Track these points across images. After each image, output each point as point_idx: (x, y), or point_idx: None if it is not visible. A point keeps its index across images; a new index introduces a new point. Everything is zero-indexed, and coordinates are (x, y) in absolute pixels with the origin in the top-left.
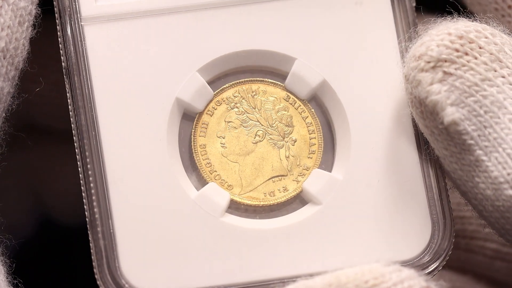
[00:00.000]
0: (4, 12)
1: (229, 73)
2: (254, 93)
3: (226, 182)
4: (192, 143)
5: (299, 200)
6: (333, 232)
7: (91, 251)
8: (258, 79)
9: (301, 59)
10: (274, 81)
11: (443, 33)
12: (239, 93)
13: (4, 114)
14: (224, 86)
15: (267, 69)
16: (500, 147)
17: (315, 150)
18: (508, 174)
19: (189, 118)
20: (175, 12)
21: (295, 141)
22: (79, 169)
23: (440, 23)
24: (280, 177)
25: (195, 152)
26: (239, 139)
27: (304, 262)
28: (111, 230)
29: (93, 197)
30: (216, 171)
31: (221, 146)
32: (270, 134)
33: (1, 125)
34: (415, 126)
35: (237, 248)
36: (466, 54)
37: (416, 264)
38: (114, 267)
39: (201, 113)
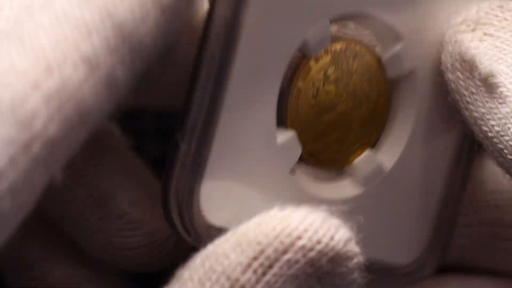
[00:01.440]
0: None
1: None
2: (354, 55)
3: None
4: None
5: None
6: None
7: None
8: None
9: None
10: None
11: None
12: (344, 51)
13: None
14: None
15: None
16: None
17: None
18: None
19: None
20: None
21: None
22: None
23: None
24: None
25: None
26: (327, 95)
27: None
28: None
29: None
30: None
31: (312, 96)
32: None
33: None
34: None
35: None
36: (506, 19)
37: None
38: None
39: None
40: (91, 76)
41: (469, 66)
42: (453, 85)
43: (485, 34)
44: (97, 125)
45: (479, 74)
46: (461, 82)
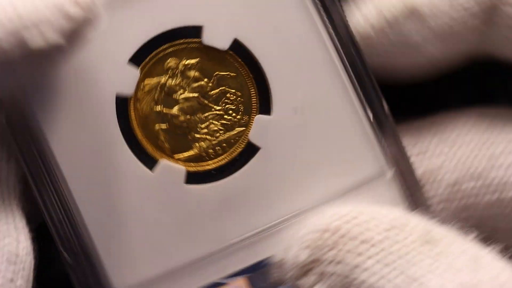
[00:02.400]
0: None
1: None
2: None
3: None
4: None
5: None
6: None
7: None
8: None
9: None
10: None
11: (307, 232)
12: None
13: None
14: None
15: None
16: None
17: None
18: None
19: None
20: None
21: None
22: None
23: (304, 221)
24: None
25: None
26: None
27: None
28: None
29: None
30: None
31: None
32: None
33: None
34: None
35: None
36: (331, 248)
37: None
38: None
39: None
40: None
41: None
42: None
43: (320, 274)
44: None
45: None
46: None
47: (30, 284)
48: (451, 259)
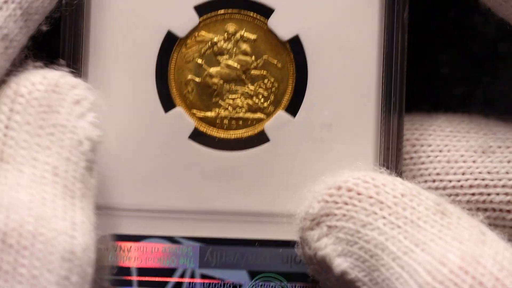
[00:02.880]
0: None
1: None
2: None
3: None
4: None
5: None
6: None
7: None
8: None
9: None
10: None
11: (322, 188)
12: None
13: None
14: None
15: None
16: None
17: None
18: None
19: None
20: None
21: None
22: None
23: (321, 179)
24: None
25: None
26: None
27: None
28: None
29: None
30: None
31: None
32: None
33: None
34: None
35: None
36: (346, 203)
37: None
38: None
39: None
40: None
41: (323, 267)
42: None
43: (329, 227)
44: None
45: (334, 273)
46: (320, 276)
47: (89, 279)
48: (459, 230)
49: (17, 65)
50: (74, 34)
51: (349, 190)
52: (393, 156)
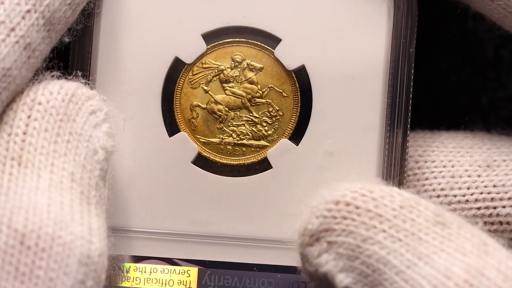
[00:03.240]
0: None
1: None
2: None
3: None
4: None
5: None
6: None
7: None
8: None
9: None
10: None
11: (320, 203)
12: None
13: None
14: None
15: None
16: None
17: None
18: None
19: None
20: None
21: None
22: None
23: (318, 194)
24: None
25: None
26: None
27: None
28: None
29: None
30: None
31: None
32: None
33: None
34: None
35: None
36: (344, 218)
37: None
38: None
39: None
40: (7, 37)
41: (326, 283)
42: None
43: (329, 243)
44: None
45: None
46: None
47: (102, 286)
48: (461, 241)
49: (41, 77)
50: (81, 57)
51: (348, 204)
52: (395, 185)
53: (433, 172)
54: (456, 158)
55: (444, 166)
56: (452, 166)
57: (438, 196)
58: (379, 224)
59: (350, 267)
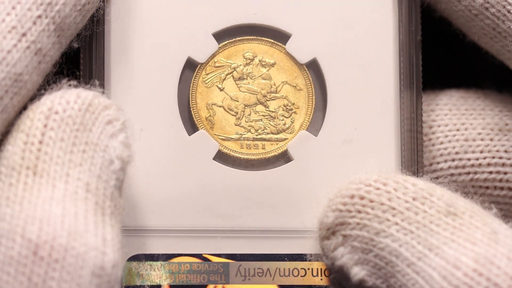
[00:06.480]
0: None
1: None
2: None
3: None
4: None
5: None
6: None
7: None
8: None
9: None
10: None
11: (336, 196)
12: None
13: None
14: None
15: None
16: None
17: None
18: None
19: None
20: None
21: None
22: None
23: (335, 186)
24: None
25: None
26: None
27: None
28: None
29: None
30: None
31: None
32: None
33: None
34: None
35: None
36: (359, 212)
37: None
38: None
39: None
40: (19, 42)
41: (343, 275)
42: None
43: (344, 236)
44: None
45: (352, 282)
46: (343, 283)
47: None
48: (471, 231)
49: (50, 82)
50: (95, 64)
51: (362, 198)
52: (414, 169)
53: (447, 136)
54: (469, 121)
55: (457, 130)
56: (466, 129)
57: (453, 160)
58: (392, 217)
59: (364, 260)
